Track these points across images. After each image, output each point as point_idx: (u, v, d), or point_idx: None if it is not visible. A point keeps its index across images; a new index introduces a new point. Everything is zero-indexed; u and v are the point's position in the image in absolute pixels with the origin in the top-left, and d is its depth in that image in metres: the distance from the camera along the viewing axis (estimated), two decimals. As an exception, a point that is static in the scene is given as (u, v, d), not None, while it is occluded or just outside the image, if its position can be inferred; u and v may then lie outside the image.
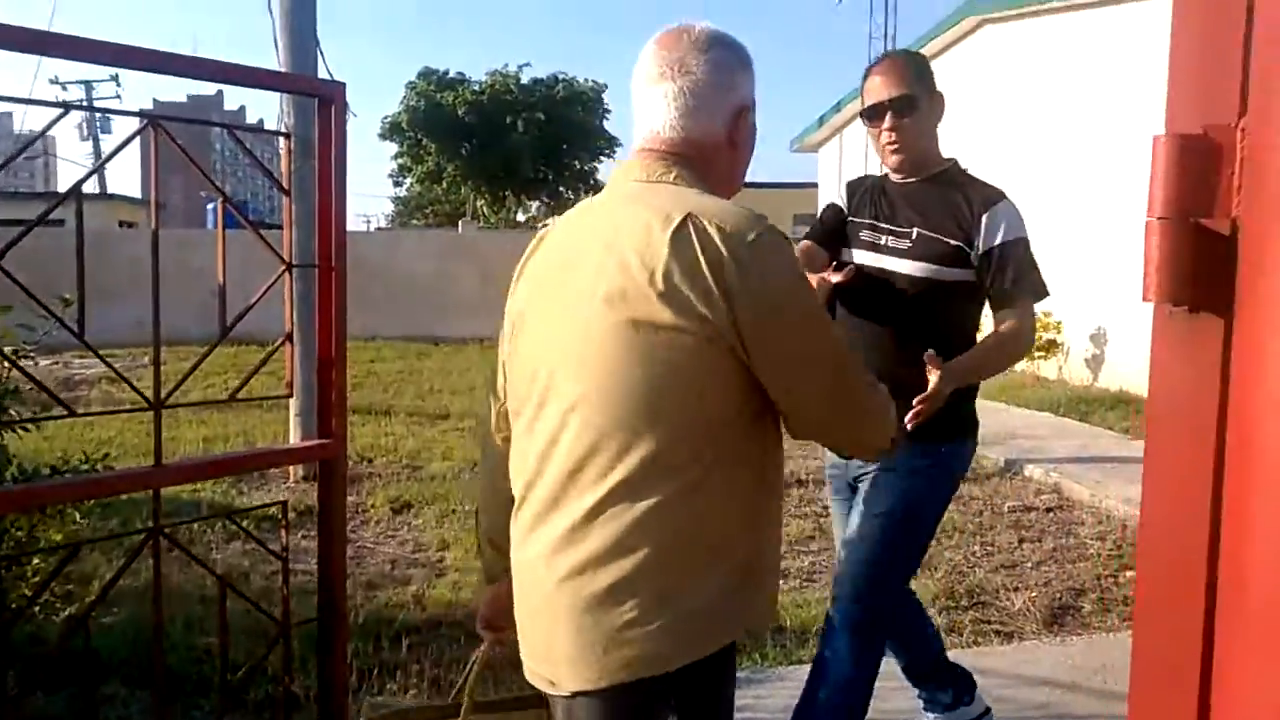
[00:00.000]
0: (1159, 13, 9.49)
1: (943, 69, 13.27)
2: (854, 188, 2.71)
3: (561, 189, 35.71)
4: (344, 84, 2.94)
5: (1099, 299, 10.39)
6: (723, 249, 1.37)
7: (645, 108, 1.56)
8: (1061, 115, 11.20)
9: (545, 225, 1.66)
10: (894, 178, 2.60)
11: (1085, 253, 10.58)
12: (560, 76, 34.61)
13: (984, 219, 2.43)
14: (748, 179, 1.72)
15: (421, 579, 4.64)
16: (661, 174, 1.52)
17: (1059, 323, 10.67)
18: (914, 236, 2.49)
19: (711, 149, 1.55)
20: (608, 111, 35.26)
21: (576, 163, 36.03)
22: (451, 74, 34.19)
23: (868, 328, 2.53)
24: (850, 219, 2.65)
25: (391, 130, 34.92)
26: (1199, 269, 0.72)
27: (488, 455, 1.75)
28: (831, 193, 3.94)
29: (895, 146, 2.52)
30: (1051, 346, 10.77)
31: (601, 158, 36.09)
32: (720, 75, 1.54)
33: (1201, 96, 0.73)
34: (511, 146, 33.01)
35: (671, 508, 1.41)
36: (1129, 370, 9.98)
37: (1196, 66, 0.75)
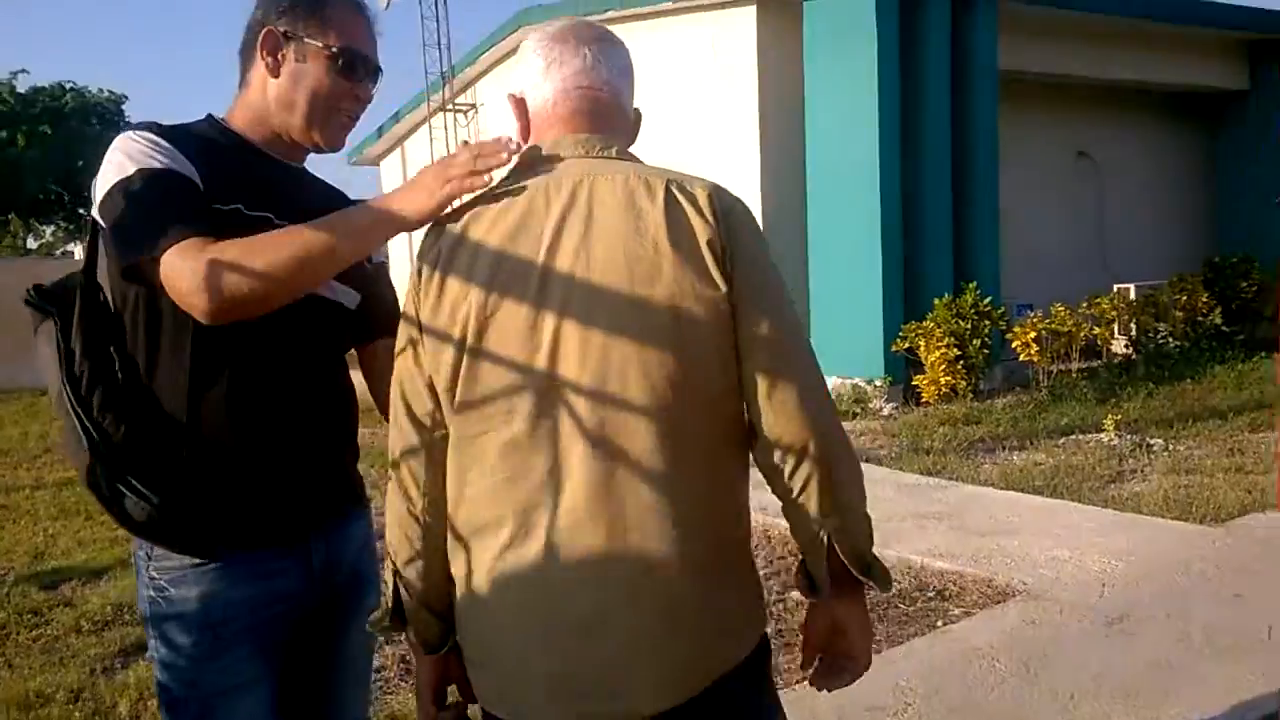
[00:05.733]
0: (714, 20, 10.15)
1: (501, 80, 13.16)
2: (204, 153, 1.67)
3: (81, 211, 31.82)
4: None
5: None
6: (712, 214, 1.38)
7: (570, 69, 1.51)
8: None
9: (459, 214, 1.45)
10: (274, 154, 1.81)
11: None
12: (68, 85, 30.74)
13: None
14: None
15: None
16: (605, 146, 1.48)
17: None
18: None
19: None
20: (129, 125, 31.94)
21: (97, 181, 32.35)
22: (-77, 78, 29.13)
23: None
24: (231, 206, 1.67)
25: None
26: None
27: (410, 494, 1.49)
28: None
29: (353, 119, 1.85)
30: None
31: (127, 175, 32.51)
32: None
33: None
34: (11, 164, 28.82)
35: (715, 482, 1.42)
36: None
37: None
